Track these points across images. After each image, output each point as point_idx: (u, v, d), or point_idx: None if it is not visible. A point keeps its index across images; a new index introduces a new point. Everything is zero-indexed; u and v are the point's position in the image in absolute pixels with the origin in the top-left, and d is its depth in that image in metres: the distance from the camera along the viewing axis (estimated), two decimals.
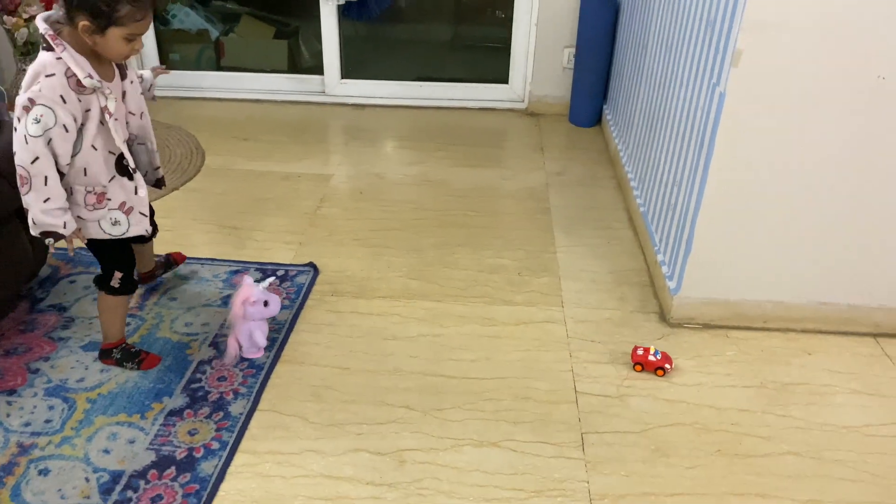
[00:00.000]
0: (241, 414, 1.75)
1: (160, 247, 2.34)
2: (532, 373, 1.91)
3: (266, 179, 2.91)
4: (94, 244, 1.75)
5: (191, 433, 1.69)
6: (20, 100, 1.51)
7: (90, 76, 1.52)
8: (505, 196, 2.85)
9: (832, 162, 1.85)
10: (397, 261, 2.38)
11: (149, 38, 3.70)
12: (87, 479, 1.56)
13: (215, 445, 1.66)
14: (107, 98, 1.58)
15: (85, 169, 1.61)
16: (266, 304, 1.87)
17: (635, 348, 1.93)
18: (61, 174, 1.58)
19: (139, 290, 2.15)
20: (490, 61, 3.90)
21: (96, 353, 1.91)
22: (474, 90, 3.74)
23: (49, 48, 1.51)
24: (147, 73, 1.90)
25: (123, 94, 1.68)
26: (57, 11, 1.54)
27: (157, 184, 1.91)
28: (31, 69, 1.52)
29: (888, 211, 1.91)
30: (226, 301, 2.15)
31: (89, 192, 1.64)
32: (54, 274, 2.25)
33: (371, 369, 1.90)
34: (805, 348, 2.03)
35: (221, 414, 1.75)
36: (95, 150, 1.60)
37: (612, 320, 2.12)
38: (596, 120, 3.55)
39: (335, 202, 2.75)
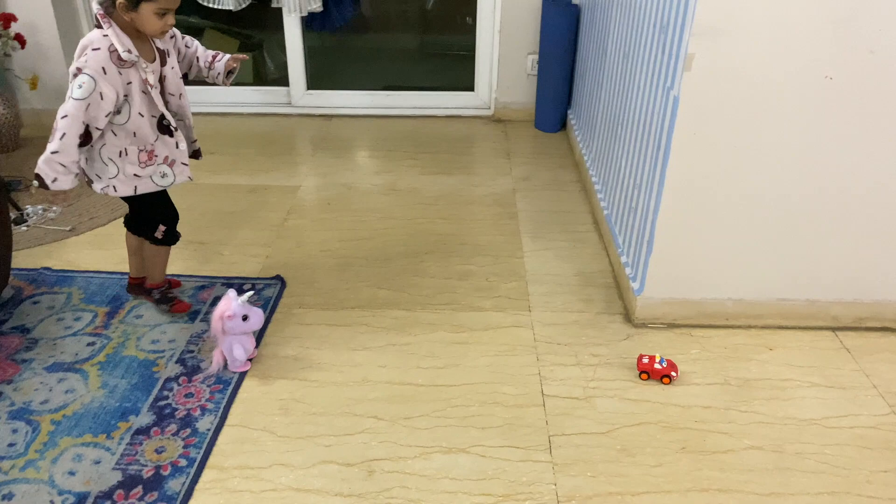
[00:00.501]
0: (208, 430, 1.74)
1: (122, 263, 2.33)
2: (500, 377, 1.93)
3: (232, 193, 2.90)
4: (144, 199, 1.97)
5: (158, 451, 1.68)
6: (71, 68, 1.74)
7: (129, 51, 1.73)
8: (472, 202, 2.87)
9: (784, 161, 1.89)
10: (365, 270, 2.39)
11: None
12: (51, 503, 1.55)
13: (183, 463, 1.65)
14: (145, 72, 1.78)
15: (135, 132, 1.84)
16: (246, 318, 1.86)
17: (640, 357, 1.93)
18: (89, 141, 1.77)
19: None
20: (456, 69, 3.92)
21: (60, 374, 1.90)
22: (441, 98, 3.77)
23: (98, 25, 1.74)
24: (219, 64, 2.04)
25: (164, 77, 1.88)
26: None
27: (195, 155, 2.10)
28: (81, 43, 1.74)
29: (840, 207, 1.96)
30: (193, 318, 2.14)
31: (141, 150, 1.87)
32: (17, 295, 2.23)
33: (339, 381, 1.91)
34: (767, 344, 2.07)
35: (189, 430, 1.74)
36: (142, 116, 1.83)
37: (578, 322, 2.14)
38: (561, 125, 3.59)
39: (302, 213, 2.75)
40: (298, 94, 3.71)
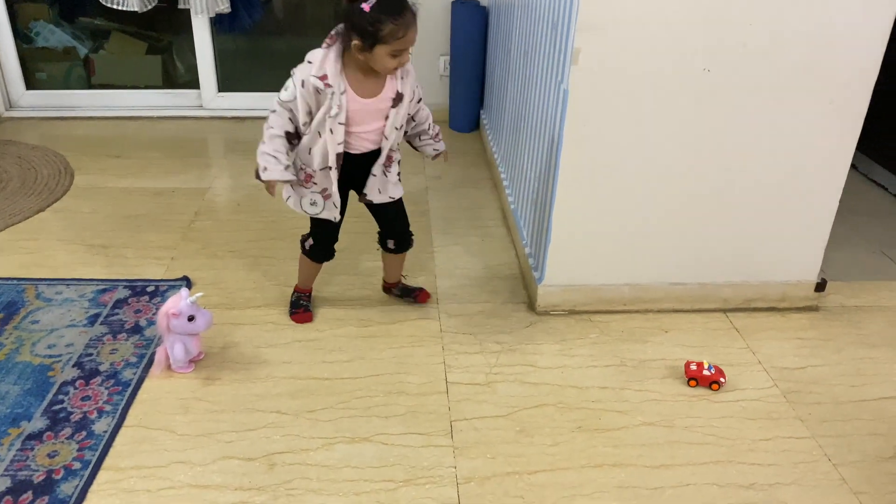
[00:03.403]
0: (105, 432, 1.71)
1: (19, 269, 2.26)
2: (405, 368, 1.95)
3: (138, 196, 2.84)
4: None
5: (50, 455, 1.63)
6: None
7: (328, 84, 1.73)
8: None
9: (668, 151, 1.99)
10: (274, 270, 2.38)
11: (11, 58, 3.55)
12: None
13: (77, 465, 1.61)
14: (339, 106, 1.76)
15: (310, 149, 1.84)
16: (192, 318, 1.82)
17: (688, 363, 1.95)
18: (298, 137, 1.83)
19: None
20: None
21: None
22: None
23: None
24: (437, 146, 2.06)
25: (386, 117, 1.84)
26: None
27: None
28: (308, 54, 1.78)
29: (723, 193, 2.07)
30: (92, 321, 2.09)
31: (301, 168, 1.89)
32: None
33: (242, 378, 1.89)
34: (662, 327, 2.16)
35: (84, 433, 1.70)
36: (320, 136, 1.81)
37: (483, 312, 2.19)
38: (475, 125, 3.65)
39: (210, 215, 2.72)
40: (209, 96, 3.66)
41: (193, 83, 3.68)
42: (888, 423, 1.84)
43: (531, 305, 2.23)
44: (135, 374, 1.89)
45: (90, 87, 3.79)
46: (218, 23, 3.51)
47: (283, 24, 4.28)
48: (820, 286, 2.26)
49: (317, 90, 1.75)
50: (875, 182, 3.20)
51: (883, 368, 2.03)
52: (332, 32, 1.76)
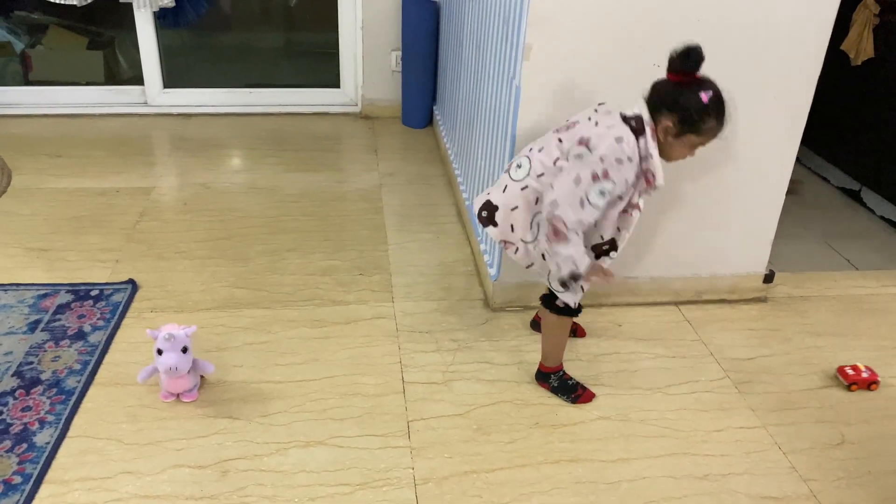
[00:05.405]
0: (47, 444, 1.64)
1: None
2: (360, 369, 1.93)
3: (79, 197, 2.74)
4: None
5: None
6: (592, 159, 1.56)
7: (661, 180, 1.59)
8: (337, 199, 2.85)
9: None
10: (223, 270, 2.32)
11: None
12: None
13: (17, 480, 1.54)
14: (642, 197, 1.65)
15: (597, 226, 1.66)
16: (159, 352, 1.71)
17: (842, 369, 1.95)
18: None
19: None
20: (323, 66, 3.88)
21: None
22: (306, 95, 3.72)
23: (639, 131, 1.57)
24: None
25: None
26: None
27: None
28: (612, 135, 1.56)
29: (672, 188, 2.09)
30: (32, 327, 2.01)
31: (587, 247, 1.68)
32: None
33: None
34: (616, 321, 2.18)
35: (25, 446, 1.63)
36: (607, 220, 1.66)
37: (439, 310, 2.18)
38: (428, 121, 3.63)
39: (156, 215, 2.64)
40: (154, 92, 3.55)
41: (137, 79, 3.56)
42: (834, 410, 1.89)
43: (486, 302, 2.22)
44: (79, 381, 1.82)
45: (27, 83, 3.64)
46: (162, 17, 3.40)
47: (230, 19, 4.19)
48: (768, 277, 2.30)
49: (636, 182, 1.62)
50: (819, 175, 3.28)
51: (828, 356, 2.09)
52: (651, 125, 1.58)
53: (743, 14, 1.88)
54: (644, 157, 1.58)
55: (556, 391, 1.87)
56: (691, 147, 1.61)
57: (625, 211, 1.69)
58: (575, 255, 1.59)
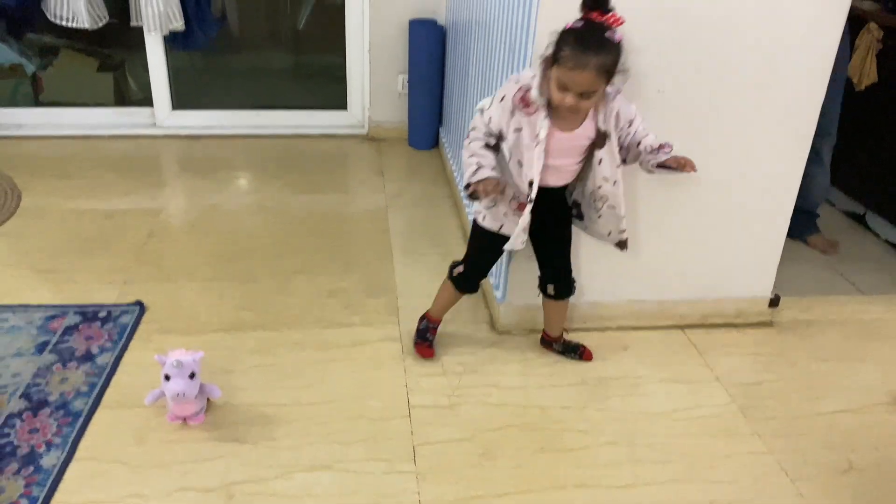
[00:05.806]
0: (54, 466, 1.64)
1: None
2: (366, 392, 1.93)
3: (89, 218, 2.76)
4: (477, 236, 1.93)
5: None
6: None
7: (540, 94, 1.64)
8: (344, 220, 2.87)
9: (626, 170, 2.01)
10: (230, 292, 2.34)
11: None
12: None
13: (24, 503, 1.55)
14: (540, 129, 1.67)
15: (514, 176, 1.77)
16: (167, 378, 1.71)
17: None
18: (494, 148, 1.76)
19: None
20: (331, 89, 3.92)
21: None
22: (314, 117, 3.75)
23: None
24: (660, 156, 1.75)
25: (600, 161, 1.75)
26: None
27: (621, 245, 1.92)
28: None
29: (678, 212, 2.10)
30: (40, 349, 2.02)
31: (514, 199, 1.81)
32: None
33: None
34: (621, 344, 2.18)
35: (32, 468, 1.63)
36: (520, 166, 1.74)
37: (445, 333, 2.18)
38: (434, 143, 3.65)
39: (164, 237, 2.66)
40: (163, 114, 3.59)
41: (147, 101, 3.61)
42: (841, 436, 1.88)
43: (493, 325, 2.23)
44: (86, 404, 1.83)
45: (38, 104, 3.69)
46: (172, 41, 3.45)
47: (239, 41, 4.24)
48: (773, 302, 2.31)
49: (517, 109, 1.71)
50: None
51: (834, 381, 2.08)
52: (542, 55, 1.64)
53: (749, 37, 1.89)
54: (525, 87, 1.67)
55: (417, 335, 2.09)
56: (558, 84, 1.57)
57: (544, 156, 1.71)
58: (464, 159, 1.77)
